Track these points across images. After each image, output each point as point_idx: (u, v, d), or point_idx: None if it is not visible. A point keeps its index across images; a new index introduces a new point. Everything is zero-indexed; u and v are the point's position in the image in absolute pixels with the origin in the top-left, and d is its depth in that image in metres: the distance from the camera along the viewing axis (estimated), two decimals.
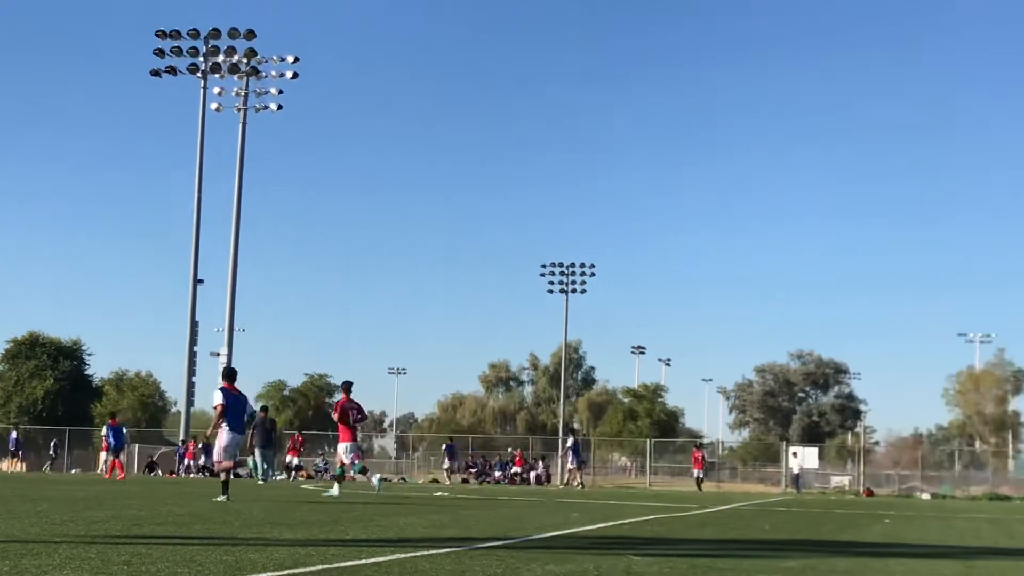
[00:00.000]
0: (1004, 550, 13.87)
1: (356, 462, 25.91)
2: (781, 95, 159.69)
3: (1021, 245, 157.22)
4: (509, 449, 68.53)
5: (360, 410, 25.92)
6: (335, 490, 25.50)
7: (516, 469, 60.74)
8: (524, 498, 28.64)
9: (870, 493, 55.79)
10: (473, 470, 61.63)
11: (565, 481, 55.11)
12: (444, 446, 58.94)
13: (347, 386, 26.41)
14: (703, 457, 58.49)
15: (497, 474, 60.77)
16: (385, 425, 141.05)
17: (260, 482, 39.20)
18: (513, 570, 8.62)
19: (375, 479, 26.70)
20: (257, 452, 40.50)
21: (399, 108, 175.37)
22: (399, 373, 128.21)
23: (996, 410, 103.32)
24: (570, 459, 53.16)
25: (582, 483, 51.56)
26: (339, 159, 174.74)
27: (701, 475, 56.44)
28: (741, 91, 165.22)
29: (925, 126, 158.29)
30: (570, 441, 54.10)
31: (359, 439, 26.59)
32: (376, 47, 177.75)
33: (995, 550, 13.79)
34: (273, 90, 64.64)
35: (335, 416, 26.10)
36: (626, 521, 17.53)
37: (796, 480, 56.74)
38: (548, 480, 60.81)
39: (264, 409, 44.19)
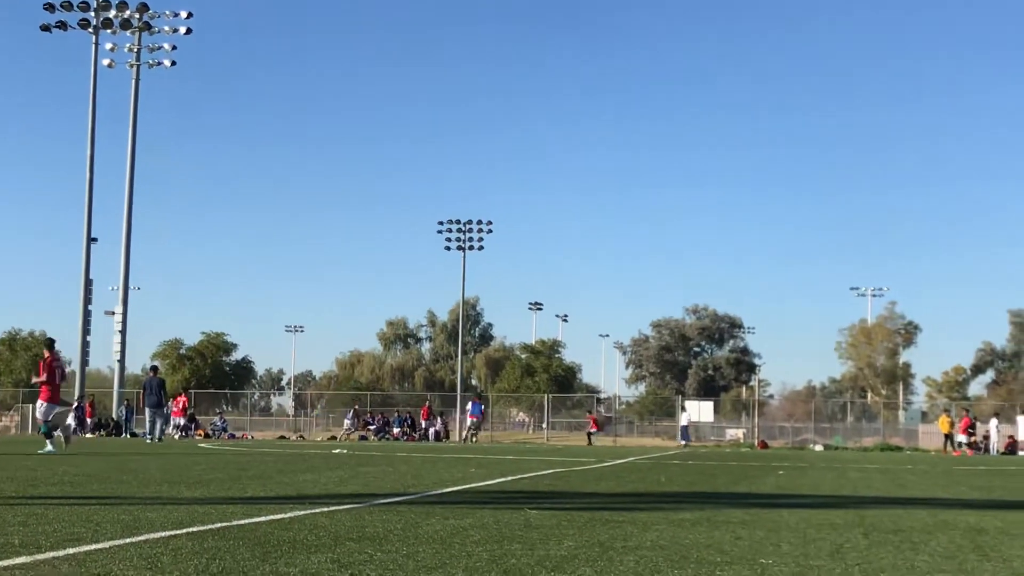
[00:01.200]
0: (895, 499, 14.20)
1: (46, 423, 24.40)
2: (688, 56, 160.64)
3: (911, 202, 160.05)
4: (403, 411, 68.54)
5: (63, 370, 25.18)
6: (49, 446, 23.86)
7: (423, 423, 60.89)
8: (423, 454, 28.71)
9: (764, 445, 56.77)
10: (372, 427, 61.60)
11: (465, 438, 55.52)
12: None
13: (50, 344, 25.04)
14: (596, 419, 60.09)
15: (396, 431, 60.81)
16: (283, 383, 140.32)
17: (149, 441, 38.89)
18: (413, 524, 8.66)
19: (49, 446, 24.01)
20: (147, 412, 40.18)
21: (293, 62, 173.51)
22: (296, 331, 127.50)
23: (887, 363, 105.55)
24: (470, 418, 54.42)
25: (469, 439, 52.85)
26: (234, 115, 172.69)
27: (593, 431, 57.79)
28: (647, 48, 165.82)
29: (817, 91, 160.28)
30: (470, 405, 55.13)
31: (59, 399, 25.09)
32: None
33: (886, 499, 14.11)
34: (166, 45, 63.64)
35: (42, 376, 24.22)
36: (524, 476, 17.67)
37: (684, 432, 57.67)
38: (447, 436, 61.02)
39: (154, 369, 43.71)
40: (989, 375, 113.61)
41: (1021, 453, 54.32)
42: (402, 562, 6.56)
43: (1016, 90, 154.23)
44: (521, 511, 10.30)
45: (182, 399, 57.19)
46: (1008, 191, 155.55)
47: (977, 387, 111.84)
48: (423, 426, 60.65)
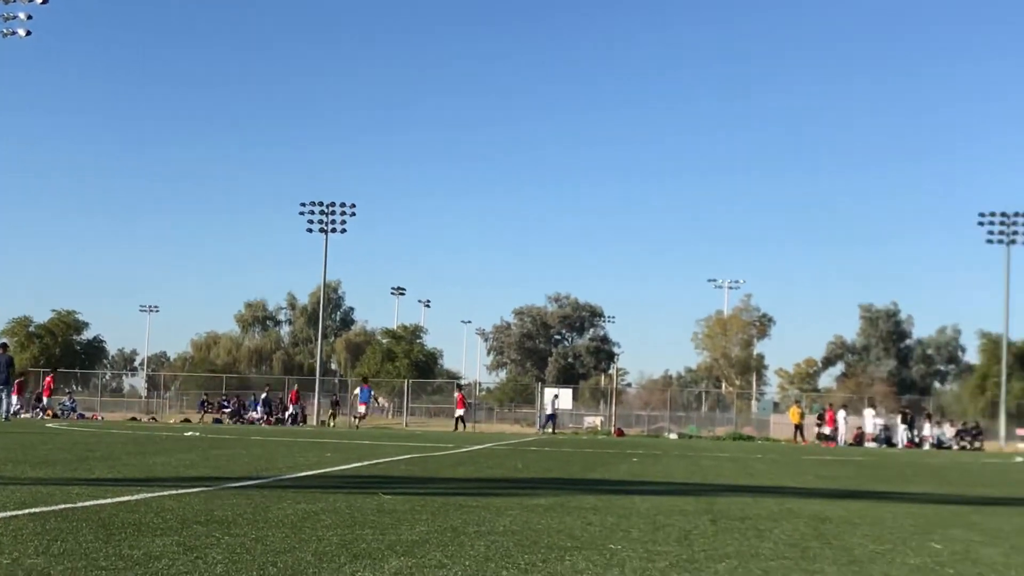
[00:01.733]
0: (744, 487, 14.46)
1: None
2: (551, 45, 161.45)
3: (767, 196, 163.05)
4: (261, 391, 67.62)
5: None
6: None
7: (291, 406, 60.15)
8: (279, 438, 28.45)
9: (621, 433, 57.39)
10: (227, 410, 60.82)
11: (357, 425, 54.87)
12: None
13: None
14: (464, 398, 59.41)
15: (252, 414, 60.14)
16: (136, 364, 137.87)
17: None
18: (263, 508, 8.56)
19: None
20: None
21: (150, 35, 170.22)
22: (151, 311, 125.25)
23: (742, 353, 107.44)
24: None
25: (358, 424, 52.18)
26: (91, 85, 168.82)
27: (462, 414, 57.49)
28: (505, 35, 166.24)
29: (676, 81, 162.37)
30: (358, 390, 54.70)
31: None
32: None
33: (735, 487, 14.36)
34: (22, 15, 61.94)
35: None
36: (380, 461, 17.60)
37: (551, 419, 57.76)
38: (304, 420, 60.55)
39: (3, 346, 42.61)
40: (839, 368, 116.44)
41: (868, 444, 55.79)
42: (250, 546, 6.48)
43: (877, 88, 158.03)
44: (375, 496, 10.26)
45: (49, 380, 55.85)
46: (861, 188, 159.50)
47: (827, 379, 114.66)
48: (292, 410, 59.94)
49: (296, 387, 63.25)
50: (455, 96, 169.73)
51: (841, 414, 58.48)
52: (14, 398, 53.21)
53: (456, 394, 61.60)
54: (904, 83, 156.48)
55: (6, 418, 38.64)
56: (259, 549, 6.35)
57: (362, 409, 53.79)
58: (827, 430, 56.25)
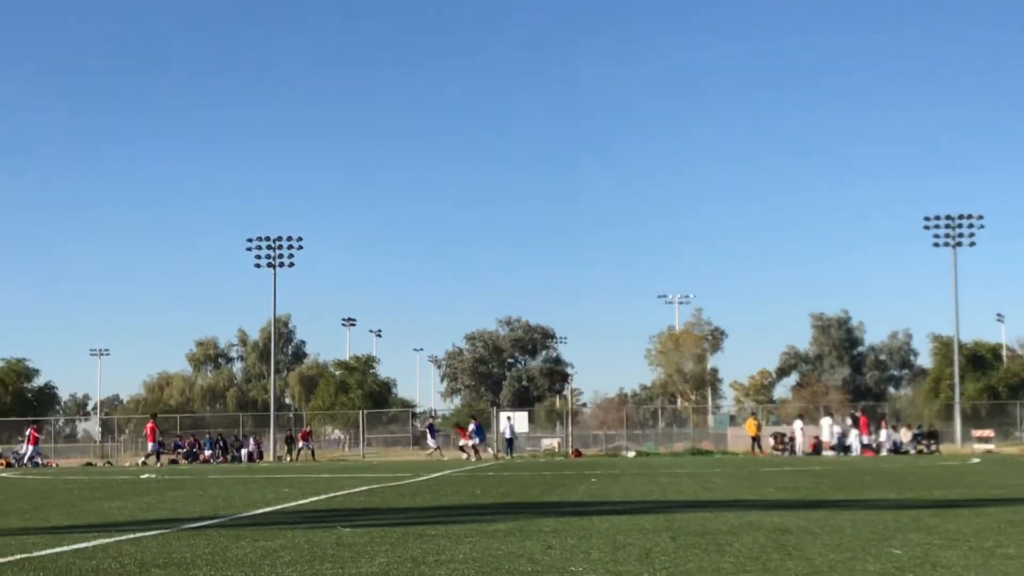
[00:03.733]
0: (703, 502, 14.51)
1: None
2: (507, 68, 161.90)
3: (713, 206, 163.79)
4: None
5: None
6: None
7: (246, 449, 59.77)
8: (235, 476, 28.27)
9: (578, 454, 57.38)
10: (181, 451, 60.29)
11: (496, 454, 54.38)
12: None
13: None
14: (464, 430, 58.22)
15: (207, 452, 59.67)
16: (89, 408, 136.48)
17: None
18: (221, 548, 8.52)
19: None
20: None
21: (90, 61, 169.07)
22: (102, 354, 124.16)
23: (696, 368, 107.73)
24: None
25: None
26: (28, 116, 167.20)
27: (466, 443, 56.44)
28: (465, 57, 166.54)
29: (617, 91, 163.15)
30: (471, 426, 54.75)
31: None
32: None
33: (695, 503, 14.40)
34: None
35: None
36: (339, 493, 17.54)
37: (509, 444, 57.41)
38: (260, 457, 60.20)
39: None
40: (794, 378, 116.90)
41: (825, 453, 56.07)
42: None
43: (816, 95, 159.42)
44: (333, 529, 10.23)
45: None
46: (808, 196, 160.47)
47: (782, 390, 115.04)
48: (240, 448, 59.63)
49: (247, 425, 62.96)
50: (398, 122, 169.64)
51: (797, 424, 58.75)
52: None
53: (456, 429, 61.64)
54: (844, 88, 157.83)
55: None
56: None
57: (474, 443, 53.51)
58: (865, 439, 56.12)
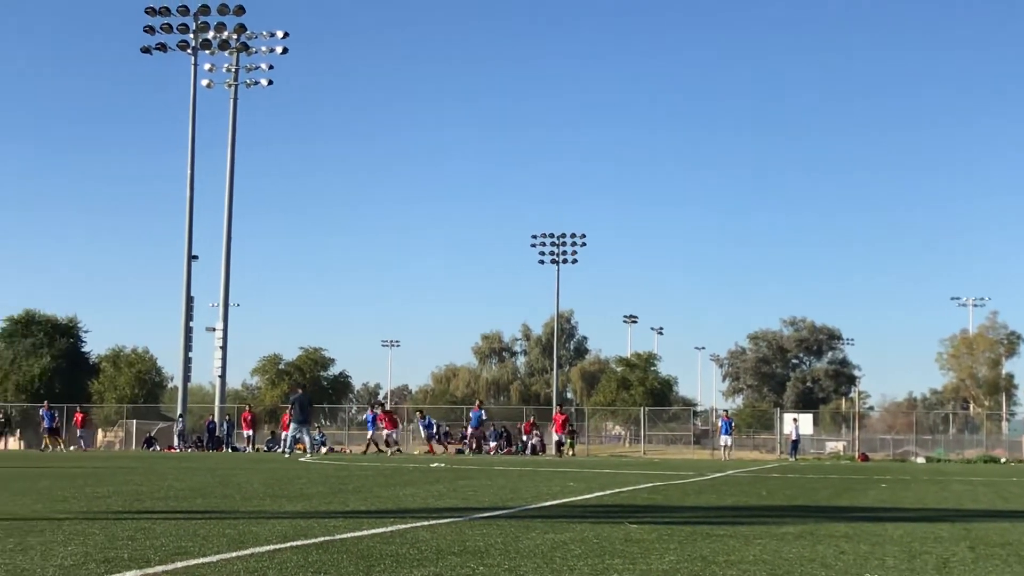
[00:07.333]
0: (1000, 512, 13.97)
1: None
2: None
3: (1013, 209, 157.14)
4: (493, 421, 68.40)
5: None
6: None
7: (524, 438, 60.74)
8: (519, 468, 28.73)
9: (865, 458, 55.99)
10: (467, 441, 61.61)
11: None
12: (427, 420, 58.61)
13: None
14: (565, 421, 57.31)
15: (492, 444, 60.80)
16: (380, 397, 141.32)
17: (287, 456, 39.08)
18: (513, 539, 8.68)
19: None
20: (301, 428, 40.20)
21: (384, 78, 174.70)
22: (392, 345, 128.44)
23: (989, 373, 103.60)
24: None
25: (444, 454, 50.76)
26: (330, 132, 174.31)
27: (561, 439, 55.58)
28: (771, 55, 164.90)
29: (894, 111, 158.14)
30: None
31: None
32: (365, 18, 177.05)
33: (992, 512, 13.88)
34: (263, 65, 64.57)
35: None
36: (623, 490, 17.61)
37: (794, 446, 56.63)
38: (543, 450, 60.95)
39: (303, 387, 45.00)
40: None
41: None
42: None
43: None
44: (621, 525, 10.29)
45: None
46: None
47: None
48: (524, 440, 60.51)
49: (532, 417, 63.62)
50: (686, 118, 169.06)
51: None
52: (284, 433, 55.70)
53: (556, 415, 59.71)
54: None
55: (312, 452, 40.25)
56: None
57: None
58: None
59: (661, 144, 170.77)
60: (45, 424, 56.17)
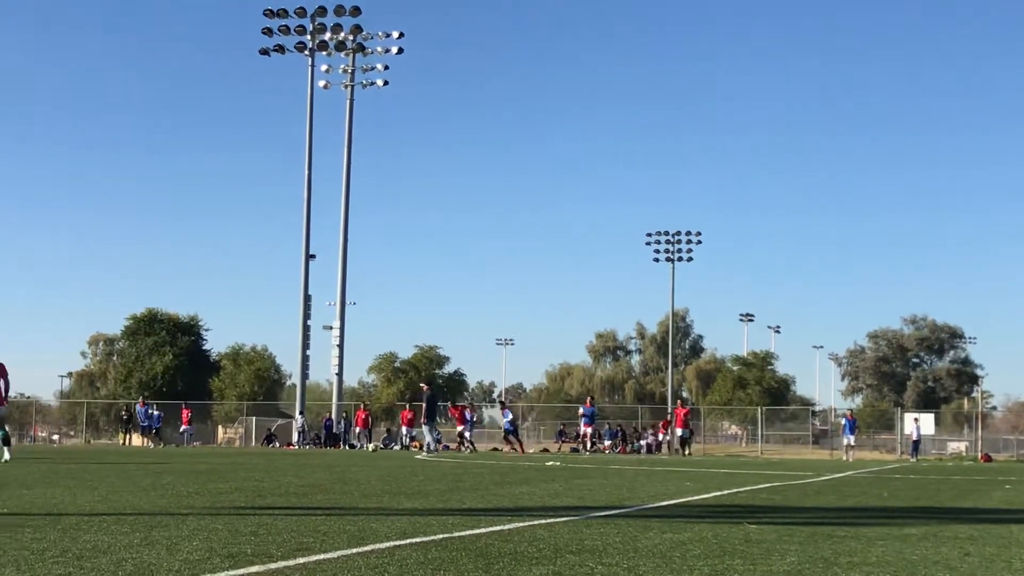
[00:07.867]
0: None
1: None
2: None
3: None
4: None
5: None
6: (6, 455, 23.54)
7: (660, 436, 60.78)
8: (635, 467, 28.63)
9: (988, 459, 54.87)
10: (581, 439, 61.64)
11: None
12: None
13: None
14: (687, 415, 56.22)
15: (607, 443, 60.73)
16: (494, 396, 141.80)
17: (427, 453, 39.30)
18: (631, 538, 8.66)
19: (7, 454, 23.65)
20: (430, 425, 41.04)
21: (505, 79, 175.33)
22: (507, 344, 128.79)
23: None
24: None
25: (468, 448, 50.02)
26: (445, 132, 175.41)
27: (686, 434, 54.73)
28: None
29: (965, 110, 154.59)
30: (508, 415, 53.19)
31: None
32: (476, 18, 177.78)
33: None
34: (379, 66, 65.18)
35: None
36: (740, 490, 17.45)
37: (915, 447, 55.71)
38: (659, 449, 60.72)
39: (429, 385, 45.50)
40: None
41: None
42: (624, 575, 6.57)
43: None
44: (740, 525, 10.20)
45: (408, 412, 58.49)
46: None
47: None
48: (659, 438, 60.65)
49: (666, 418, 63.12)
50: (794, 119, 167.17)
51: None
52: (404, 429, 56.53)
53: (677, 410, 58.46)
54: None
55: (432, 449, 40.62)
56: None
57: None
58: None
59: (778, 143, 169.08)
60: (140, 422, 57.96)
